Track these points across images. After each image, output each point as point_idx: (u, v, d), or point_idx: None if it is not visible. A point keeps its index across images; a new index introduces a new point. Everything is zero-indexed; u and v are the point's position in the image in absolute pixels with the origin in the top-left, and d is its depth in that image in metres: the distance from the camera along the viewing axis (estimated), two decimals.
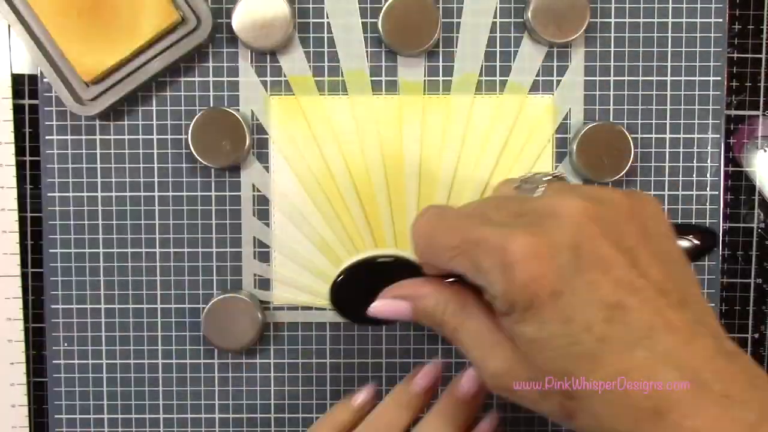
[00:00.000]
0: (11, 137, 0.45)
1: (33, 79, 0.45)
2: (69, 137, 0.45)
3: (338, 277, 0.41)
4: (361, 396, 0.40)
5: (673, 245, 0.30)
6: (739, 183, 0.46)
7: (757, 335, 0.46)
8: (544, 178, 0.31)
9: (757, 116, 0.45)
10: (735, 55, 0.45)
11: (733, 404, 0.26)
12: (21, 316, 0.46)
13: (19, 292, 0.45)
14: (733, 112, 0.45)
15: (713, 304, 0.45)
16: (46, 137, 0.45)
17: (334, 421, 0.39)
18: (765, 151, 0.45)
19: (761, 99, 0.46)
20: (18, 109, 0.45)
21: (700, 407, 0.26)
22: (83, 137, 0.45)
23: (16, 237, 0.45)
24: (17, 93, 0.45)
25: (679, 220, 0.45)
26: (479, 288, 0.30)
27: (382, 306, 0.34)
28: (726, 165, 0.46)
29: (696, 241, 0.38)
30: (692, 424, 0.26)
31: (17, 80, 0.45)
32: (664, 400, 0.26)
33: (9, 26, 0.44)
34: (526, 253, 0.27)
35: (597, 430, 0.28)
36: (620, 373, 0.27)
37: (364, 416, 0.39)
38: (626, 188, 0.30)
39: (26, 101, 0.45)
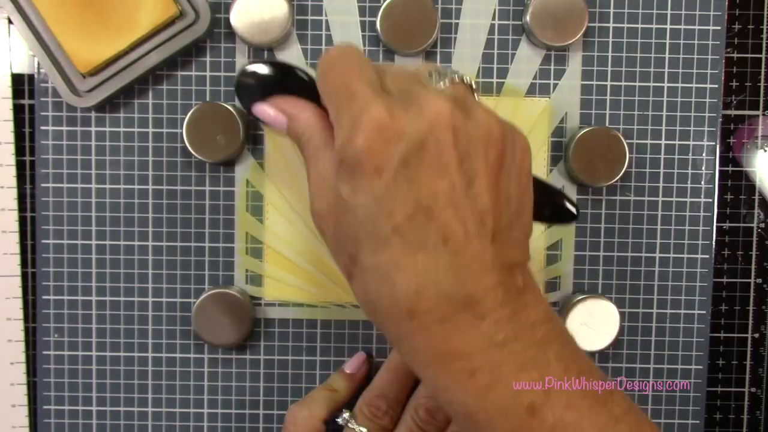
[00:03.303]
0: (11, 137, 0.45)
1: (33, 79, 0.45)
2: (64, 128, 0.45)
3: (252, 67, 0.37)
4: (352, 363, 0.44)
5: (517, 187, 0.31)
6: (739, 183, 0.46)
7: (757, 335, 0.46)
8: (452, 76, 0.32)
9: (757, 116, 0.46)
10: (735, 55, 0.45)
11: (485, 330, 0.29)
12: (21, 316, 0.46)
13: (19, 292, 0.45)
14: (733, 112, 0.45)
15: (706, 311, 0.45)
16: (42, 128, 0.45)
17: (329, 387, 0.44)
18: (765, 151, 0.46)
19: (761, 99, 0.46)
20: (18, 109, 0.45)
21: (451, 321, 0.29)
22: (78, 129, 0.45)
23: (16, 237, 0.45)
24: (17, 93, 0.45)
25: (544, 180, 0.42)
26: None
27: (264, 112, 0.36)
28: (726, 165, 0.46)
29: (559, 202, 0.38)
30: (433, 329, 0.29)
31: (17, 80, 0.45)
32: (422, 306, 0.29)
33: (8, 19, 0.44)
34: (374, 124, 0.29)
35: (364, 300, 0.31)
36: (396, 266, 0.29)
37: (358, 383, 0.44)
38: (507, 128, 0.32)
39: (26, 101, 0.45)
